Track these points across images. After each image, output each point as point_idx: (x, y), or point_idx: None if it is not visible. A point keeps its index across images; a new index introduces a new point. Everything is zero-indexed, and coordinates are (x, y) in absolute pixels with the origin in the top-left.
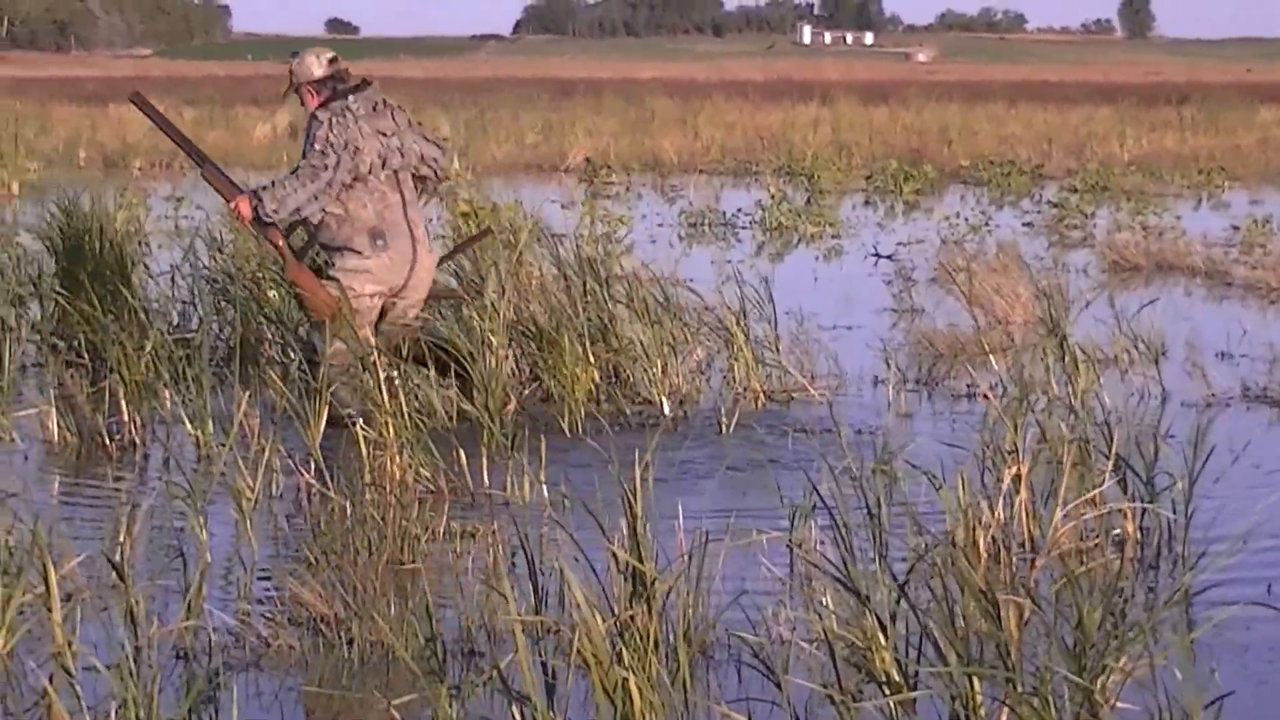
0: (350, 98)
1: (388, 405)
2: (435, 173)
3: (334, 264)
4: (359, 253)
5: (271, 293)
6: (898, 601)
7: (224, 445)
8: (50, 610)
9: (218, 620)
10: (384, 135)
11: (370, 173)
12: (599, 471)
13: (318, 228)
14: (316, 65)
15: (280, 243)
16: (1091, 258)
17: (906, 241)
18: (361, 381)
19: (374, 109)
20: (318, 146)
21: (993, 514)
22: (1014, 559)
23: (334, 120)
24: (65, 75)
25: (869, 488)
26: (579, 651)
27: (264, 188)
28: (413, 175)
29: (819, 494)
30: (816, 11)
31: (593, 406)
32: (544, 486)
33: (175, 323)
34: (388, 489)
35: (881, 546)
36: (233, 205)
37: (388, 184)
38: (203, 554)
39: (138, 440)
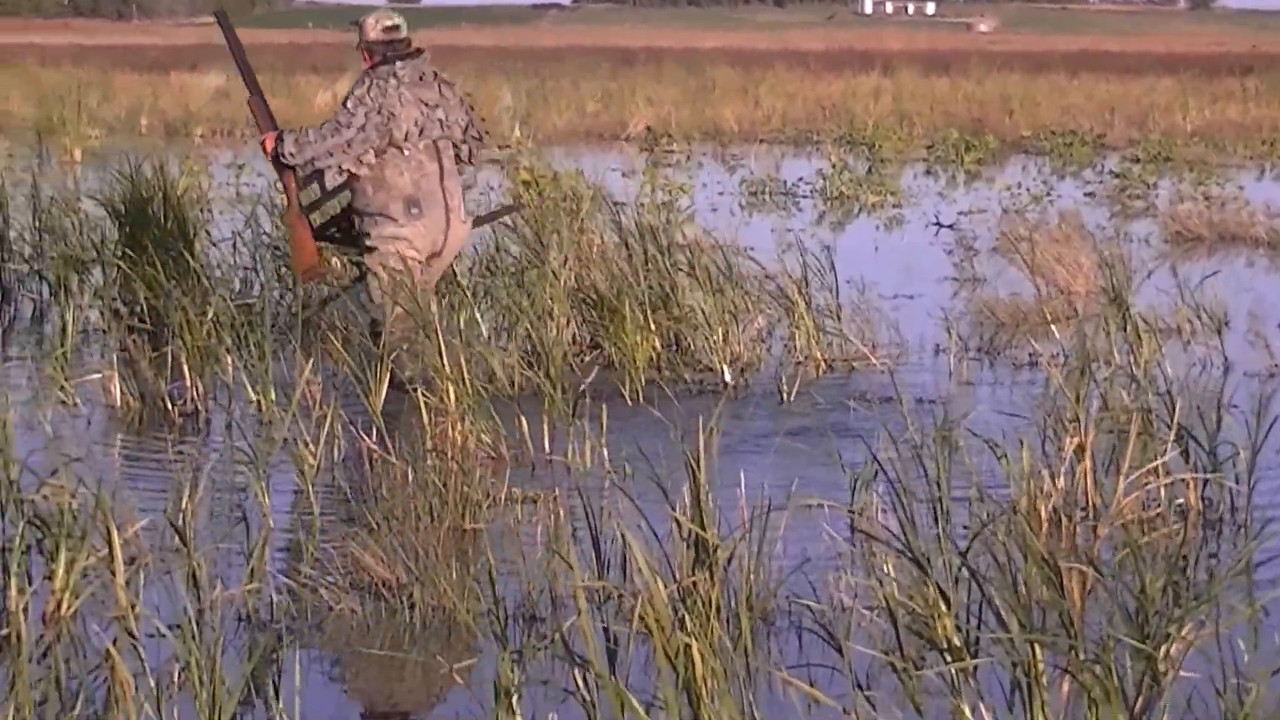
0: (398, 64)
1: (449, 371)
2: (471, 152)
3: (370, 232)
4: (394, 219)
5: (334, 260)
6: (959, 569)
7: (286, 411)
8: (113, 574)
9: (280, 584)
10: (426, 105)
11: (406, 140)
12: (660, 439)
13: (355, 193)
14: (373, 29)
15: (290, 186)
16: (1154, 228)
17: (968, 211)
18: (421, 348)
19: (420, 78)
20: (348, 105)
21: (1054, 483)
22: (1076, 528)
23: (374, 84)
24: (127, 43)
25: (930, 456)
26: (641, 617)
27: (291, 131)
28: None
29: (880, 462)
30: None
31: (654, 374)
32: (605, 453)
33: (237, 289)
34: (449, 455)
35: (943, 515)
36: (262, 139)
37: (425, 153)
38: (265, 519)
39: (200, 406)
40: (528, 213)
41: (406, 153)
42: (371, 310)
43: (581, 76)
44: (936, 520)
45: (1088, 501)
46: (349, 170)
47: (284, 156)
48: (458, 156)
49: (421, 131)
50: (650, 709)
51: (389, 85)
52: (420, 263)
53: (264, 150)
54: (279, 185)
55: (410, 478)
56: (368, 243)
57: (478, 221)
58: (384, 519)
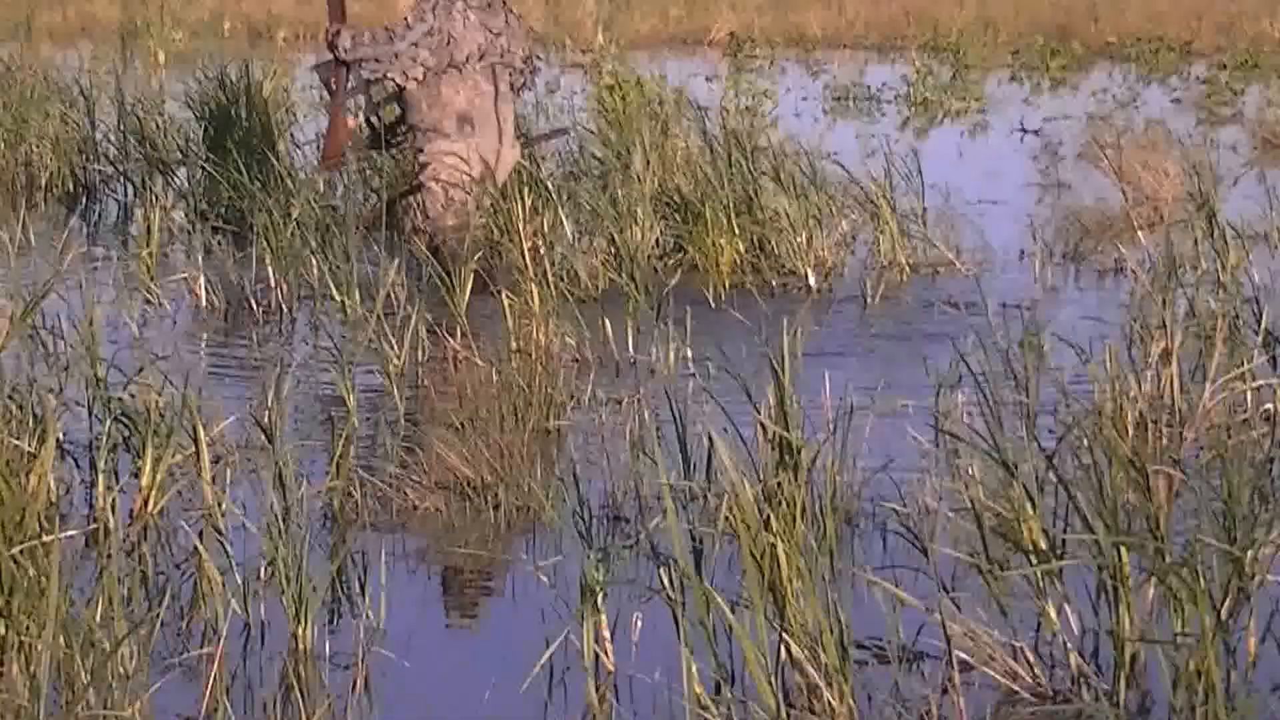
0: None
1: (533, 274)
2: (525, 84)
3: (423, 148)
4: (446, 135)
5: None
6: (1045, 472)
7: (370, 313)
8: (200, 471)
9: (365, 483)
10: (490, 31)
11: (466, 61)
12: (744, 342)
13: (409, 108)
14: None
15: (340, 80)
16: (1241, 135)
17: (1053, 117)
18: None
19: (489, 5)
20: (408, 16)
21: (1140, 388)
22: (1162, 432)
23: (441, 2)
24: None
25: (1016, 360)
26: (727, 518)
27: (352, 27)
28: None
29: (966, 364)
30: None
31: (737, 278)
32: (689, 355)
33: (321, 191)
34: (534, 357)
35: (1029, 418)
36: (326, 27)
37: (483, 75)
38: (350, 418)
39: (284, 307)
40: (611, 117)
41: (465, 74)
42: (426, 226)
43: None
44: (1022, 424)
45: (1174, 407)
46: (396, 81)
47: (338, 50)
48: (511, 84)
49: (482, 56)
50: (735, 608)
51: (455, 7)
52: (472, 179)
53: (325, 40)
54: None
55: (495, 379)
56: (420, 158)
57: (528, 143)
58: (468, 419)
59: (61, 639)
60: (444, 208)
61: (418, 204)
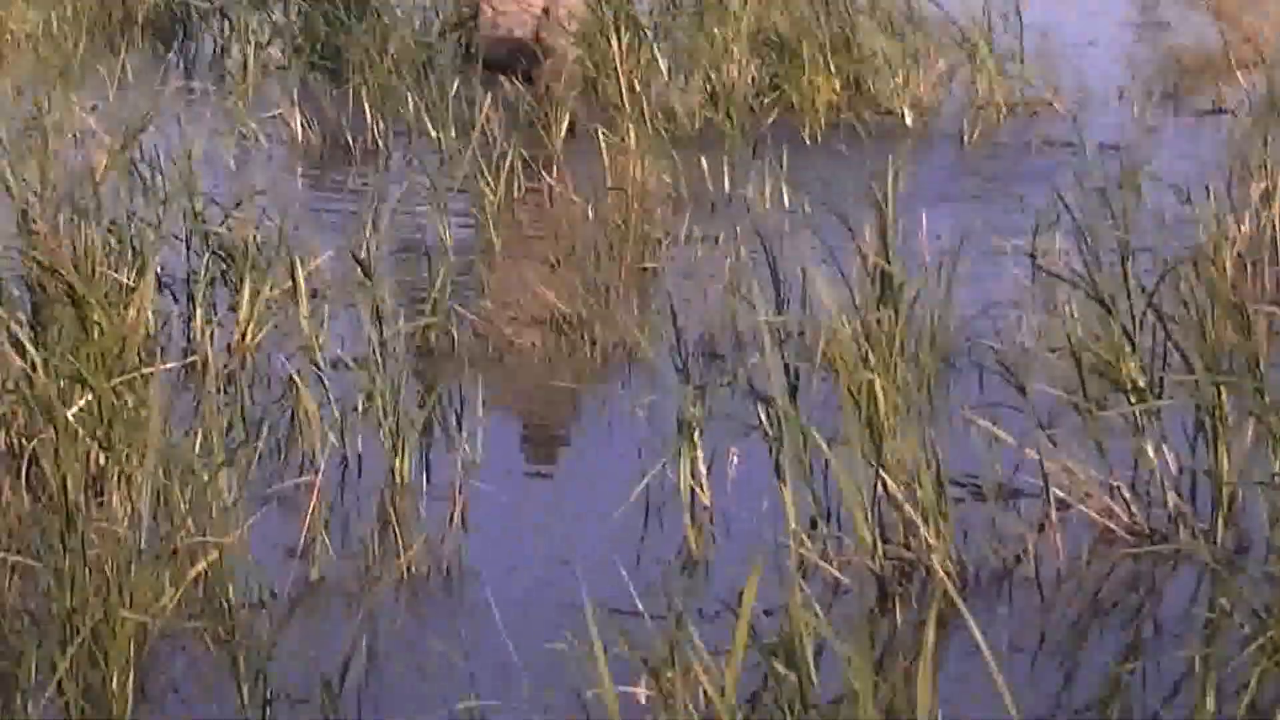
0: None
1: (629, 111)
2: None
3: None
4: None
5: None
6: (1144, 311)
7: (466, 148)
8: (297, 305)
9: (461, 318)
10: None
11: None
12: (841, 180)
13: None
14: None
15: None
16: None
17: None
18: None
19: None
20: None
21: (1239, 229)
22: (1262, 272)
23: None
24: None
25: (1115, 198)
26: (824, 353)
27: None
28: None
29: (1065, 203)
30: None
31: (833, 116)
32: (785, 192)
33: (417, 27)
34: (630, 194)
35: (1128, 257)
36: None
37: None
38: (445, 253)
39: (380, 142)
40: None
41: None
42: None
43: None
44: (1122, 263)
45: (1274, 247)
46: None
47: None
48: None
49: None
50: (832, 444)
51: None
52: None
53: None
54: None
55: (590, 216)
56: None
57: None
58: (564, 256)
59: (161, 470)
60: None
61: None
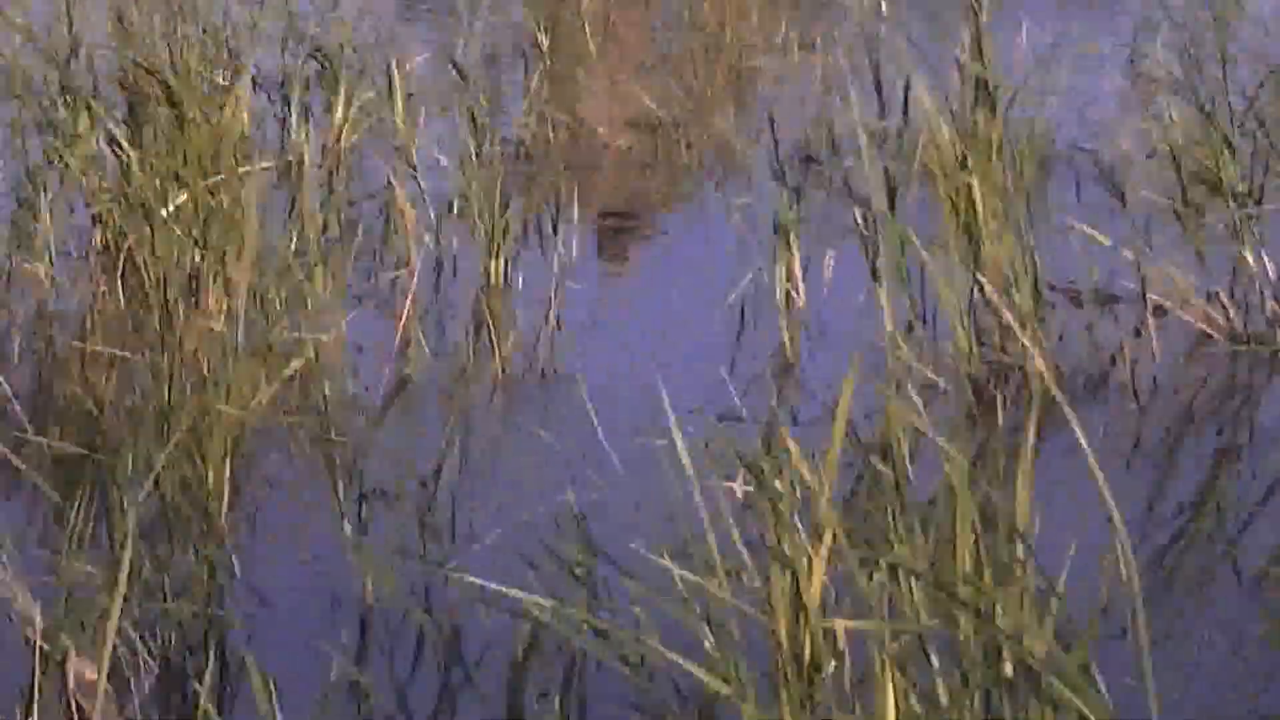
0: None
1: None
2: None
3: None
4: None
5: None
6: (1245, 115)
7: None
8: (393, 107)
9: (554, 119)
10: None
11: None
12: None
13: None
14: None
15: None
16: None
17: None
18: None
19: None
20: None
21: None
22: None
23: None
24: None
25: (1215, 3)
26: (921, 158)
27: None
28: None
29: (1165, 6)
30: None
31: None
32: None
33: None
34: None
35: (1227, 62)
36: None
37: None
38: (542, 56)
39: None
40: None
41: None
42: None
43: None
44: (1221, 67)
45: None
46: None
47: None
48: None
49: None
50: (929, 248)
51: None
52: None
53: None
54: None
55: (685, 17)
56: None
57: None
58: (660, 59)
59: (257, 268)
60: None
61: None
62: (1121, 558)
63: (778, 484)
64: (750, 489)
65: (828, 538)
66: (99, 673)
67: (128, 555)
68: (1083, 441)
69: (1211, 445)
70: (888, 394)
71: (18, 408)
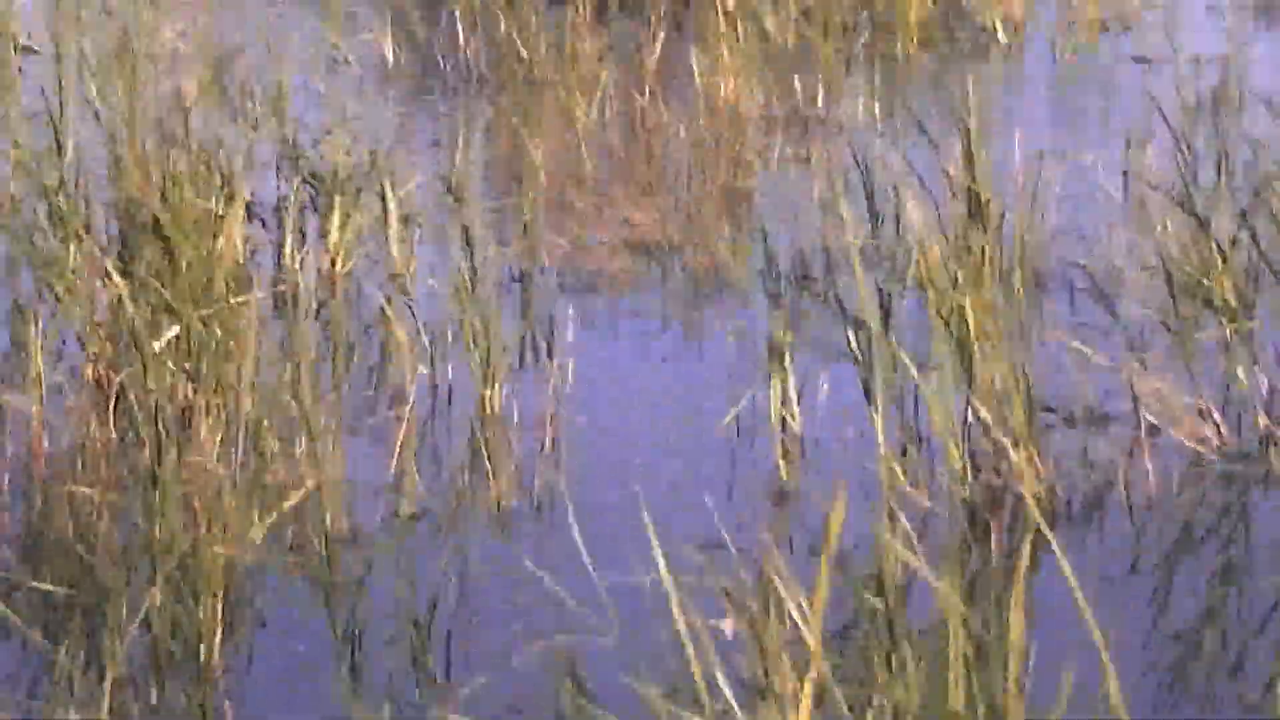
0: None
1: (723, 28)
2: None
3: None
4: None
5: None
6: (1238, 228)
7: (558, 70)
8: (388, 232)
9: (552, 244)
10: None
11: None
12: (934, 97)
13: None
14: None
15: None
16: None
17: None
18: None
19: None
20: None
21: None
22: None
23: None
24: None
25: (1209, 114)
26: (915, 275)
27: None
28: None
29: (1163, 115)
30: None
31: (926, 35)
32: (877, 110)
33: None
34: (721, 109)
35: (1225, 170)
36: None
37: None
38: (537, 176)
39: (472, 65)
40: None
41: None
42: None
43: None
44: (1218, 177)
45: None
46: None
47: None
48: None
49: None
50: (921, 368)
51: None
52: None
53: None
54: None
55: (682, 135)
56: None
57: None
58: (656, 178)
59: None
60: None
61: None
62: (1111, 695)
63: (768, 620)
64: (740, 629)
65: (815, 674)
66: None
67: (105, 702)
68: (1068, 573)
69: (1209, 566)
70: (879, 527)
71: (5, 550)
